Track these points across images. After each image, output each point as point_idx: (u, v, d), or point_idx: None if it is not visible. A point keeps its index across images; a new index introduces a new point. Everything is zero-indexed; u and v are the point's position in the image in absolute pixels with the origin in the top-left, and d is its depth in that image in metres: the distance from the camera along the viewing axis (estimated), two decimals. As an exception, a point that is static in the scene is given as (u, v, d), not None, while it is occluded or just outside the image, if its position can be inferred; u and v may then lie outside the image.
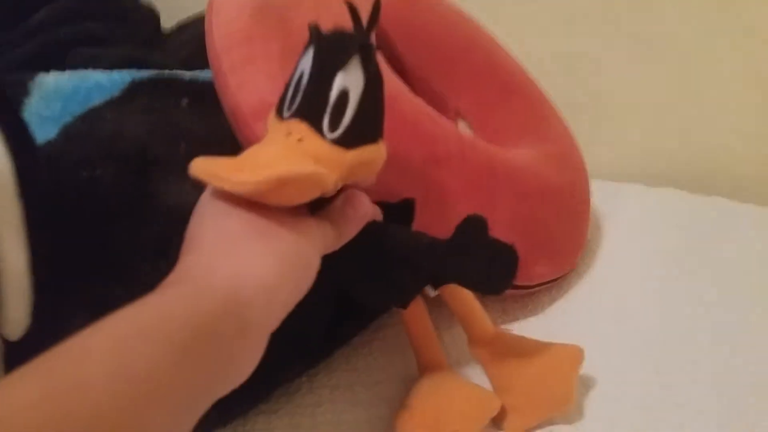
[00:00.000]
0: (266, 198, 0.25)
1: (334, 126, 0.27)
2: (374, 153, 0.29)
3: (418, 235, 0.34)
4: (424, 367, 0.39)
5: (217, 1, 0.44)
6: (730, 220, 0.58)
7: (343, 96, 0.27)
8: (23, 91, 0.39)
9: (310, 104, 0.27)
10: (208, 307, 0.23)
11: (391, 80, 0.43)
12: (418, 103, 0.42)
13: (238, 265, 0.25)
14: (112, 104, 0.39)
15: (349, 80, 0.27)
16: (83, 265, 0.34)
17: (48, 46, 0.49)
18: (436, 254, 0.33)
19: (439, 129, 0.41)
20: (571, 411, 0.38)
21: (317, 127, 0.27)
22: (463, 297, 0.39)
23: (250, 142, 0.38)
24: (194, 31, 0.59)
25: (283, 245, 0.26)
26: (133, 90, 0.41)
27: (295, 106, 0.28)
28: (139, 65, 0.47)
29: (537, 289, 0.47)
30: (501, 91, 0.52)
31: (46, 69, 0.44)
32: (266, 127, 0.38)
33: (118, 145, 0.37)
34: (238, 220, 0.26)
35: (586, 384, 0.40)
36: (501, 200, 0.42)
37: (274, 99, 0.38)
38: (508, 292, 0.45)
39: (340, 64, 0.27)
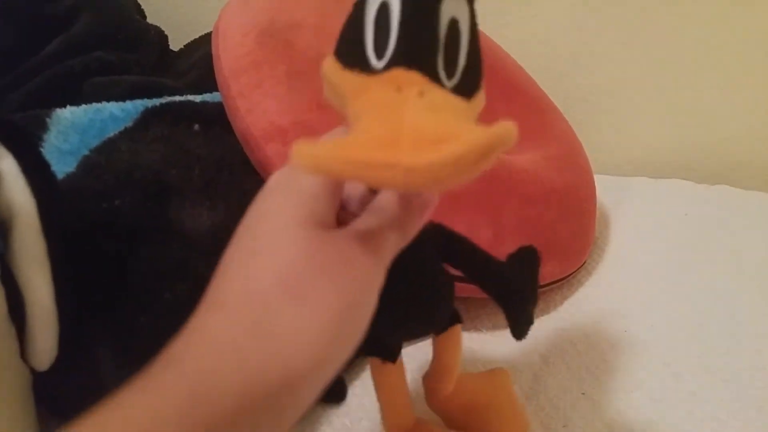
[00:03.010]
0: (447, 182, 0.17)
1: (451, 71, 0.20)
2: (483, 101, 0.22)
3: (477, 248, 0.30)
4: (395, 428, 0.33)
5: (222, 26, 0.45)
6: (737, 208, 0.59)
7: (454, 29, 0.21)
8: (42, 127, 0.40)
9: (416, 44, 0.20)
10: (211, 413, 0.17)
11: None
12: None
13: (262, 348, 0.18)
14: (127, 134, 0.41)
15: (456, 6, 0.21)
16: (106, 294, 0.35)
17: (61, 77, 0.51)
18: (501, 271, 0.29)
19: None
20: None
21: (433, 75, 0.20)
22: (457, 347, 0.33)
23: (263, 165, 0.40)
24: (202, 51, 0.60)
25: (327, 306, 0.19)
26: (146, 119, 0.42)
27: (390, 51, 0.20)
28: (151, 91, 0.49)
29: (547, 288, 0.48)
30: (503, 96, 0.53)
31: (61, 99, 0.46)
32: (278, 148, 0.39)
33: (135, 174, 0.38)
34: (274, 266, 0.19)
35: (599, 379, 0.41)
36: (506, 205, 0.43)
37: (283, 121, 0.40)
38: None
39: None
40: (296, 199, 0.20)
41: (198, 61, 0.59)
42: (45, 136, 0.40)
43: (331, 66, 0.21)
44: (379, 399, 0.32)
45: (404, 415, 0.32)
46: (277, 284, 0.19)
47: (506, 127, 0.17)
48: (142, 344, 0.35)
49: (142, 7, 0.71)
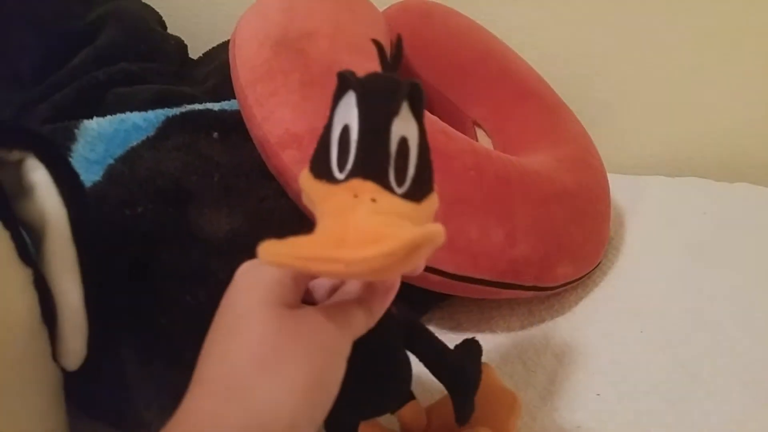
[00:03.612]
0: (384, 273, 0.21)
1: (400, 180, 0.24)
2: (436, 203, 0.25)
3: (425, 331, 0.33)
4: None
5: (239, 36, 0.46)
6: (756, 206, 0.58)
7: (404, 145, 0.24)
8: (71, 138, 0.42)
9: (370, 160, 0.24)
10: None
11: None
12: (433, 120, 0.44)
13: (240, 415, 0.20)
14: (149, 143, 0.43)
15: (405, 126, 0.24)
16: (130, 297, 0.37)
17: (86, 88, 0.53)
18: (454, 364, 0.33)
19: (454, 145, 0.43)
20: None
21: (385, 184, 0.23)
22: (418, 411, 0.36)
23: (279, 171, 0.41)
24: (219, 59, 0.62)
25: (297, 373, 0.21)
26: (167, 128, 0.44)
27: (350, 165, 0.24)
28: (171, 99, 0.50)
29: (562, 289, 0.49)
30: (516, 98, 0.53)
31: (87, 110, 0.48)
32: (294, 154, 0.40)
33: (156, 182, 0.40)
34: (245, 344, 0.22)
35: (614, 380, 0.41)
36: (519, 207, 0.44)
37: (298, 128, 0.41)
38: (534, 293, 0.46)
39: (393, 111, 0.24)
40: (263, 285, 0.23)
41: (216, 70, 0.61)
42: (74, 147, 0.42)
43: (306, 177, 0.25)
44: None
45: None
46: (251, 360, 0.21)
47: (435, 229, 0.20)
48: (164, 345, 0.37)
49: (163, 18, 0.73)
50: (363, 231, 0.21)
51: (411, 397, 0.34)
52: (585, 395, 0.40)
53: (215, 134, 0.45)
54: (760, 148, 0.68)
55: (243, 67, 0.44)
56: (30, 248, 0.32)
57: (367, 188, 0.23)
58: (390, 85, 0.24)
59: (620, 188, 0.60)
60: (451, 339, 0.34)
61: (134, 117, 0.44)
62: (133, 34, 0.60)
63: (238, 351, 0.22)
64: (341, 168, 0.24)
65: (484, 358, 0.35)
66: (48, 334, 0.33)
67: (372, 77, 0.25)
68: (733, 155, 0.69)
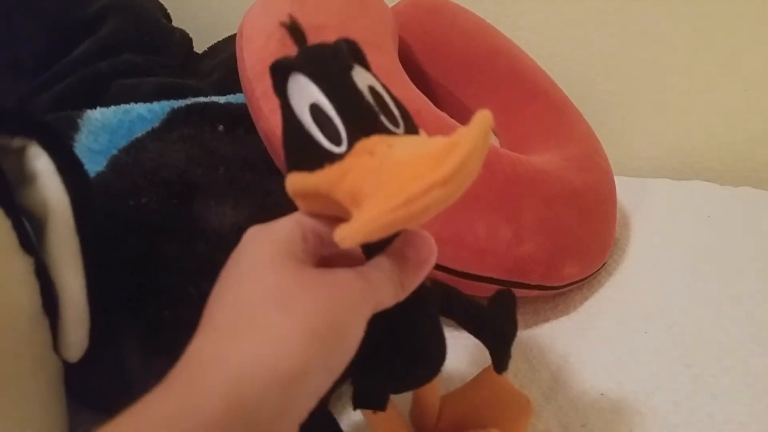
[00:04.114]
0: (473, 175, 0.19)
1: (394, 121, 0.23)
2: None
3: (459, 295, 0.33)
4: None
5: (247, 27, 0.46)
6: (762, 211, 0.58)
7: (375, 92, 0.23)
8: (74, 127, 0.42)
9: (361, 116, 0.23)
10: (201, 420, 0.18)
11: (413, 94, 0.44)
12: (441, 116, 0.43)
13: (247, 351, 0.19)
14: (154, 135, 0.42)
15: (364, 77, 0.23)
16: (133, 289, 0.36)
17: (90, 79, 0.53)
18: (492, 320, 0.33)
19: (463, 141, 0.42)
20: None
21: (386, 131, 0.23)
22: (434, 387, 0.35)
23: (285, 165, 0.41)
24: (225, 53, 0.61)
25: (311, 314, 0.20)
26: (172, 120, 0.43)
27: (344, 133, 0.22)
28: (175, 92, 0.50)
29: (567, 288, 0.48)
30: (523, 97, 0.53)
31: (90, 101, 0.47)
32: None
33: (161, 173, 0.39)
34: (260, 283, 0.21)
35: (618, 380, 0.41)
36: (526, 206, 0.43)
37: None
38: (539, 292, 0.46)
39: (348, 66, 0.23)
40: (271, 242, 0.22)
41: (221, 63, 0.60)
42: (76, 137, 0.41)
43: (297, 181, 0.23)
44: None
45: None
46: (263, 299, 0.20)
47: (483, 113, 0.19)
48: (167, 337, 0.36)
49: (168, 10, 0.72)
50: (423, 156, 0.19)
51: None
52: (589, 394, 0.40)
53: (221, 127, 0.44)
54: (764, 152, 0.68)
55: (250, 59, 0.43)
56: (32, 237, 0.32)
57: (376, 141, 0.22)
58: (328, 49, 0.23)
59: (625, 190, 0.59)
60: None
61: (139, 108, 0.44)
62: (138, 25, 0.60)
63: (249, 293, 0.21)
64: (337, 141, 0.22)
65: (488, 361, 0.35)
66: (49, 325, 0.32)
67: (307, 51, 0.24)
68: (738, 159, 0.69)
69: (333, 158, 0.22)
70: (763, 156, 0.67)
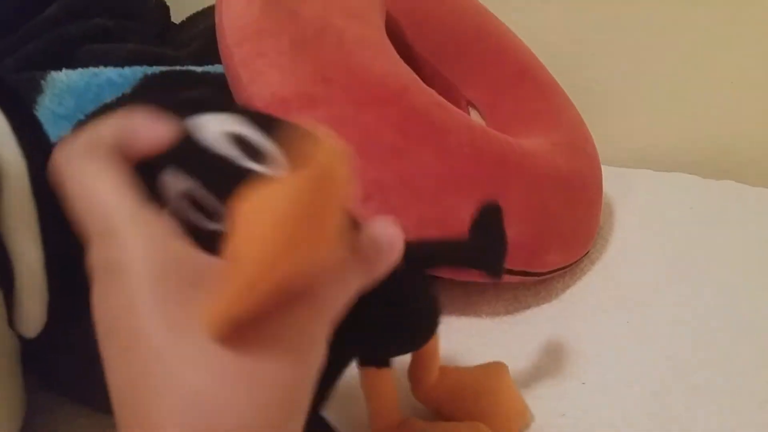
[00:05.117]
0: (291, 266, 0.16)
1: (260, 159, 0.22)
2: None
3: (436, 243, 0.32)
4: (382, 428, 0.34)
5: (225, -7, 0.44)
6: (743, 204, 0.58)
7: (238, 139, 0.22)
8: (37, 89, 0.39)
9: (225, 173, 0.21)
10: None
11: (401, 70, 0.43)
12: (429, 93, 0.42)
13: None
14: (124, 101, 0.40)
15: (217, 122, 0.22)
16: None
17: (58, 42, 0.49)
18: (463, 253, 0.32)
19: (450, 119, 0.41)
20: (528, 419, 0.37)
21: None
22: (435, 338, 0.34)
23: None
24: (204, 24, 0.59)
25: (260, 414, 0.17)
26: (144, 86, 0.41)
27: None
28: (150, 60, 0.47)
29: (549, 276, 0.48)
30: (512, 79, 0.52)
31: (57, 65, 0.44)
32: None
33: (132, 141, 0.37)
34: (204, 368, 0.17)
35: (598, 369, 0.41)
36: (512, 189, 0.42)
37: (286, 92, 0.39)
38: (521, 279, 0.45)
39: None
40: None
41: (200, 34, 0.58)
42: (39, 99, 0.39)
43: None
44: (369, 405, 0.33)
45: (392, 418, 0.33)
46: (207, 383, 0.17)
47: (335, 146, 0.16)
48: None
49: (144, -23, 0.69)
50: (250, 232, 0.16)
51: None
52: (569, 384, 0.40)
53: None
54: (747, 147, 0.68)
55: (230, 26, 0.41)
56: (-15, 202, 0.29)
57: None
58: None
59: (608, 180, 0.59)
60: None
61: (109, 72, 0.41)
62: (110, -12, 0.57)
63: (196, 379, 0.16)
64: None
65: (467, 345, 0.34)
66: (3, 297, 0.30)
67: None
68: (720, 153, 0.69)
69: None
70: (745, 150, 0.68)
